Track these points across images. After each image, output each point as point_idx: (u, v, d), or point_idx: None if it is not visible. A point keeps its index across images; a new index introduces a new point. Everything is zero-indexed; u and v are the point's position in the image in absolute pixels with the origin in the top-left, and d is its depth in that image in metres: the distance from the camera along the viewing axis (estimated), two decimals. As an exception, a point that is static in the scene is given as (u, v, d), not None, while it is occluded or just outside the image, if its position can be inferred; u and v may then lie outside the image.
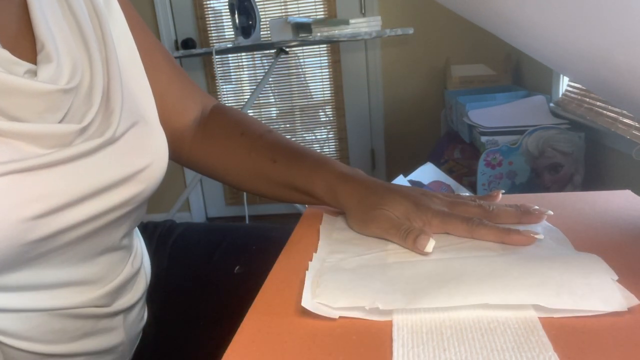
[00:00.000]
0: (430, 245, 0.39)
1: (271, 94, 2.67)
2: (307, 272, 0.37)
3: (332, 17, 2.45)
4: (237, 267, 0.59)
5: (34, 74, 0.38)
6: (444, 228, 0.43)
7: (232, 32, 2.08)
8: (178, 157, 0.61)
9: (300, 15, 2.49)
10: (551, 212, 0.45)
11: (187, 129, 0.59)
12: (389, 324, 0.31)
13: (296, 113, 2.69)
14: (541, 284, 0.32)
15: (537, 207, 0.45)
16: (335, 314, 0.32)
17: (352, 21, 1.90)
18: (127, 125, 0.45)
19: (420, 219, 0.44)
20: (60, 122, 0.39)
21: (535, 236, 0.40)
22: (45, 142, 0.37)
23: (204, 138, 0.59)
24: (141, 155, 0.46)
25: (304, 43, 2.05)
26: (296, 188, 0.53)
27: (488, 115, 1.77)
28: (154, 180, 0.48)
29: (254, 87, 2.53)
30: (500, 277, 0.34)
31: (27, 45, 0.40)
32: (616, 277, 0.33)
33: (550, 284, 0.32)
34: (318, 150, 2.70)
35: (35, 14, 0.40)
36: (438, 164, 1.89)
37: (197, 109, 0.61)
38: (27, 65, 0.38)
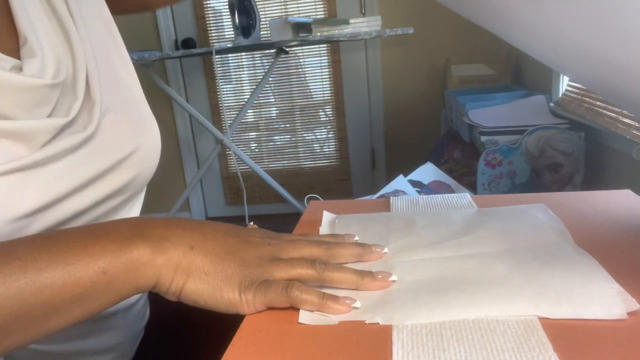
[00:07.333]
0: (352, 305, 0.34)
1: (271, 94, 2.67)
2: None
3: (332, 17, 2.45)
4: None
5: (19, 69, 0.38)
6: (290, 274, 0.36)
7: (232, 32, 2.08)
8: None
9: (300, 15, 2.49)
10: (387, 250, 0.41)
11: None
12: (389, 325, 0.31)
13: (296, 113, 2.69)
14: (541, 294, 0.32)
15: (377, 246, 0.42)
16: (334, 321, 0.33)
17: (352, 21, 1.90)
18: (109, 108, 0.44)
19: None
20: (48, 116, 0.39)
21: (389, 279, 0.36)
22: (34, 139, 0.37)
23: None
24: (129, 141, 0.45)
25: (304, 43, 2.04)
26: None
27: (488, 115, 1.77)
28: (148, 163, 0.47)
29: (254, 87, 2.53)
30: (500, 285, 0.34)
31: (9, 41, 0.39)
32: (616, 285, 0.33)
33: (550, 294, 0.32)
34: (318, 151, 2.70)
35: (16, 8, 0.39)
36: (438, 164, 1.89)
37: None
38: (12, 61, 0.37)
